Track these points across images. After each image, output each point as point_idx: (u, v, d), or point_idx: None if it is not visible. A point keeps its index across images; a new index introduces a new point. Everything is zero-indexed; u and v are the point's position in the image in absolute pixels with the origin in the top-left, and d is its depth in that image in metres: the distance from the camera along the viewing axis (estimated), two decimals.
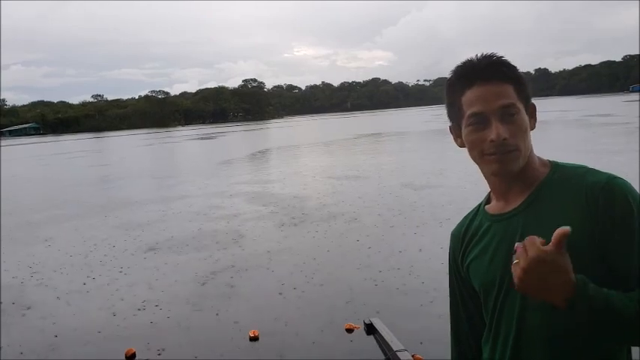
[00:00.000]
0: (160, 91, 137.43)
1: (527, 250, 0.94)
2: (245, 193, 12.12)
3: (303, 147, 27.15)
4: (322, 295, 5.20)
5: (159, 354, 4.14)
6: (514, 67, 1.14)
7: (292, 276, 5.83)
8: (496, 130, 1.08)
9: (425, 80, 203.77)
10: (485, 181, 1.23)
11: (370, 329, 2.12)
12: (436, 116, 50.63)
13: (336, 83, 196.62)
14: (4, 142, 72.81)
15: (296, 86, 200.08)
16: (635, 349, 1.11)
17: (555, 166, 1.17)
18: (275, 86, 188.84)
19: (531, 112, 1.16)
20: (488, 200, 1.26)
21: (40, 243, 8.42)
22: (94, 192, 14.90)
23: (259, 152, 25.82)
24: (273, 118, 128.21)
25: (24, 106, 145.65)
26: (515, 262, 0.96)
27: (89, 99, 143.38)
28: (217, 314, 4.92)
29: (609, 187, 1.06)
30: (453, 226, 1.34)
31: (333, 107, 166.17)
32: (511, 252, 1.00)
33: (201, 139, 46.35)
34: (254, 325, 4.46)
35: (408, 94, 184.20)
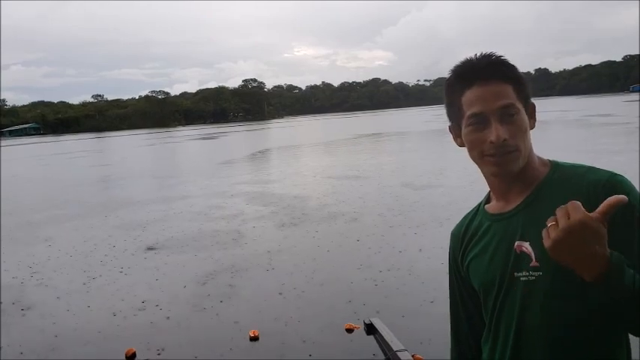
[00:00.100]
0: (160, 91, 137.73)
1: (570, 212, 0.90)
2: (246, 193, 12.12)
3: (304, 147, 27.16)
4: (322, 295, 5.20)
5: (159, 354, 4.14)
6: (513, 67, 1.13)
7: (292, 276, 5.84)
8: (496, 132, 1.08)
9: (425, 80, 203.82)
10: (485, 181, 1.23)
11: (370, 329, 2.11)
12: (436, 116, 50.61)
13: (336, 83, 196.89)
14: (4, 142, 72.85)
15: (296, 86, 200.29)
16: (635, 350, 1.11)
17: (555, 166, 1.16)
18: (275, 86, 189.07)
19: (531, 111, 1.16)
20: (488, 200, 1.26)
21: (41, 243, 8.42)
22: (94, 192, 14.91)
23: (260, 152, 25.83)
24: (273, 118, 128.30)
25: (24, 106, 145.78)
26: (552, 225, 0.92)
27: (89, 99, 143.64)
28: (217, 314, 4.92)
29: (611, 184, 1.06)
30: (453, 226, 1.34)
31: (333, 107, 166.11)
32: (511, 251, 0.99)
33: (203, 139, 46.36)
34: (254, 325, 4.47)
35: (409, 94, 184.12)
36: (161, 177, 17.50)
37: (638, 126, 21.97)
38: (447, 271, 1.37)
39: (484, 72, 1.11)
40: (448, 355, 1.40)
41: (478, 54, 1.15)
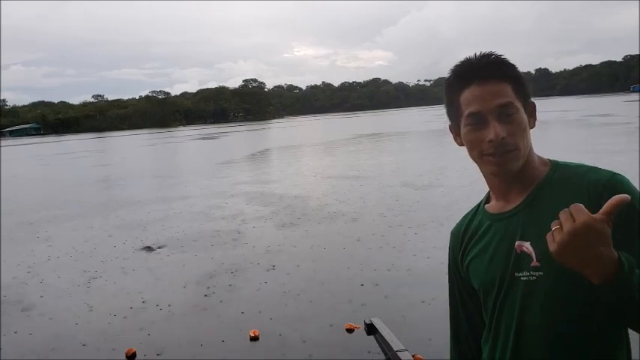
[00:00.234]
0: (160, 91, 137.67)
1: (574, 215, 0.89)
2: (246, 193, 12.12)
3: (304, 147, 27.15)
4: (322, 295, 5.20)
5: (159, 354, 4.14)
6: (512, 66, 1.13)
7: (292, 276, 5.83)
8: (494, 130, 1.08)
9: (425, 80, 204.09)
10: (484, 181, 1.23)
11: (370, 329, 2.10)
12: (437, 116, 50.61)
13: (336, 83, 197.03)
14: (4, 143, 72.88)
15: (296, 86, 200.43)
16: (635, 350, 1.11)
17: (556, 165, 1.16)
18: (275, 86, 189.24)
19: (531, 110, 1.15)
20: (487, 199, 1.25)
21: (41, 243, 8.42)
22: (95, 192, 14.90)
23: (260, 152, 25.82)
24: (273, 118, 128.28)
25: (24, 106, 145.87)
26: (556, 228, 0.91)
27: (89, 99, 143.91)
28: (217, 314, 4.92)
29: (612, 183, 1.05)
30: (453, 226, 1.34)
31: (333, 107, 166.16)
32: (511, 251, 0.99)
33: (204, 139, 46.35)
34: (254, 325, 4.46)
35: (409, 94, 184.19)
36: (161, 177, 17.49)
37: (638, 126, 21.96)
38: (447, 271, 1.37)
39: (483, 71, 1.10)
40: (448, 355, 1.40)
41: (477, 53, 1.14)
